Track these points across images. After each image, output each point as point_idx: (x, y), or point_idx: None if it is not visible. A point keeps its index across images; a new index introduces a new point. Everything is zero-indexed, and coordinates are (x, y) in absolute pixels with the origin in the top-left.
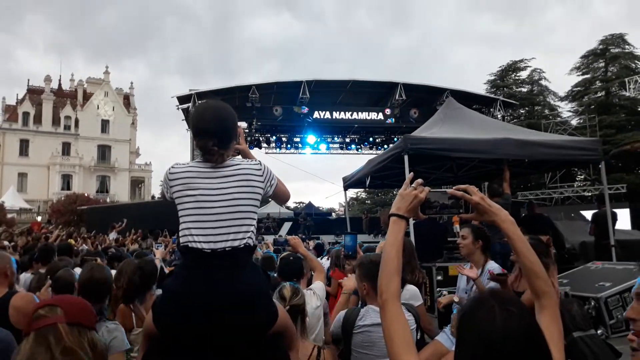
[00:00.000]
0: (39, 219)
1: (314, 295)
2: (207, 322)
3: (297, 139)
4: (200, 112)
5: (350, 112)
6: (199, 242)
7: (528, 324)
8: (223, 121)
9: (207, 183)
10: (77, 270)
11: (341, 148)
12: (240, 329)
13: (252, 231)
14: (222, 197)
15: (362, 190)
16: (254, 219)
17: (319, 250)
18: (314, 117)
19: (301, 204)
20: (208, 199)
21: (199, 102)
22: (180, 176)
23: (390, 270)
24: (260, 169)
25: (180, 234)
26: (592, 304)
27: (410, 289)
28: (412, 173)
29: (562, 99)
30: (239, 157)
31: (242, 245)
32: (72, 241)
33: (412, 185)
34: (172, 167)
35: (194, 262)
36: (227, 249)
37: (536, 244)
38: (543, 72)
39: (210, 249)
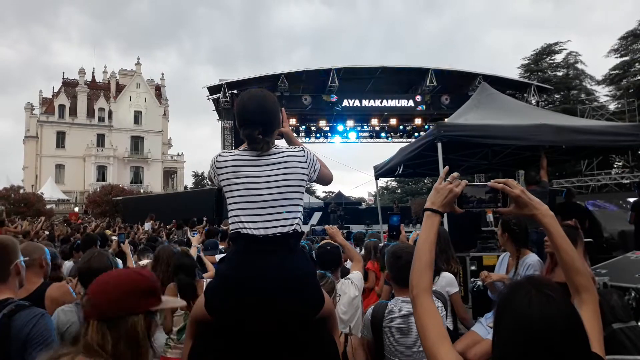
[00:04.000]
0: (76, 209)
1: (352, 284)
2: (260, 306)
3: (327, 128)
4: (244, 102)
5: (379, 100)
6: (249, 228)
7: (566, 309)
8: (267, 110)
9: (254, 171)
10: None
11: (371, 137)
12: (291, 313)
13: (299, 217)
14: (269, 184)
15: (392, 179)
16: (301, 205)
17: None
18: (343, 105)
19: (331, 194)
20: (256, 186)
21: (242, 91)
22: (227, 164)
23: (422, 265)
24: (304, 156)
25: (230, 221)
26: (633, 294)
27: (447, 276)
28: (447, 167)
29: (599, 83)
30: (283, 140)
31: (291, 231)
32: (108, 232)
33: (448, 179)
34: (219, 156)
35: (246, 248)
36: (277, 234)
37: (569, 231)
38: (579, 55)
39: (261, 235)
